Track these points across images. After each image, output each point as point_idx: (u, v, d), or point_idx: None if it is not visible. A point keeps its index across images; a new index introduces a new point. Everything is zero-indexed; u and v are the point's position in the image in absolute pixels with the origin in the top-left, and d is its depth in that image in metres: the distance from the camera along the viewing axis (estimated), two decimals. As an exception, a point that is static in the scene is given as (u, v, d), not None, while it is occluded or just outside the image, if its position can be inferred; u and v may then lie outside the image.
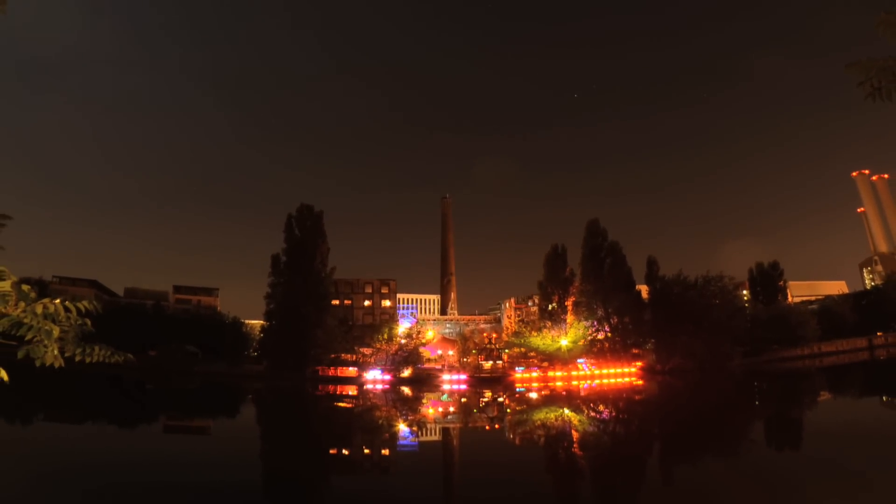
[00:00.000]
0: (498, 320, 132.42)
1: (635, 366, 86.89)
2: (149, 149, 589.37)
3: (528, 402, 60.11)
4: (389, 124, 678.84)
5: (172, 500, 19.12)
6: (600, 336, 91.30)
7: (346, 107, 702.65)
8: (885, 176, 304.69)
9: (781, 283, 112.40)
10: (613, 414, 48.57)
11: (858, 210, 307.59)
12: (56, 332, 4.31)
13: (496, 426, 44.39)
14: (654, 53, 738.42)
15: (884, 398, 46.36)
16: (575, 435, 36.41)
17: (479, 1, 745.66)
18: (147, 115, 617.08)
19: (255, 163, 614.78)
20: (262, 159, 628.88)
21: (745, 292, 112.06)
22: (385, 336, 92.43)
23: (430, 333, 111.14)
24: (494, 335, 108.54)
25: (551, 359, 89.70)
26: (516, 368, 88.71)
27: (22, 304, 4.23)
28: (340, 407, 56.99)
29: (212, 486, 21.15)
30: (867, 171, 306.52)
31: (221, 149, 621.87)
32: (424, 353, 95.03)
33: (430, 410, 53.85)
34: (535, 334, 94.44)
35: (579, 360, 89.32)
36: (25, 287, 4.28)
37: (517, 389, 71.88)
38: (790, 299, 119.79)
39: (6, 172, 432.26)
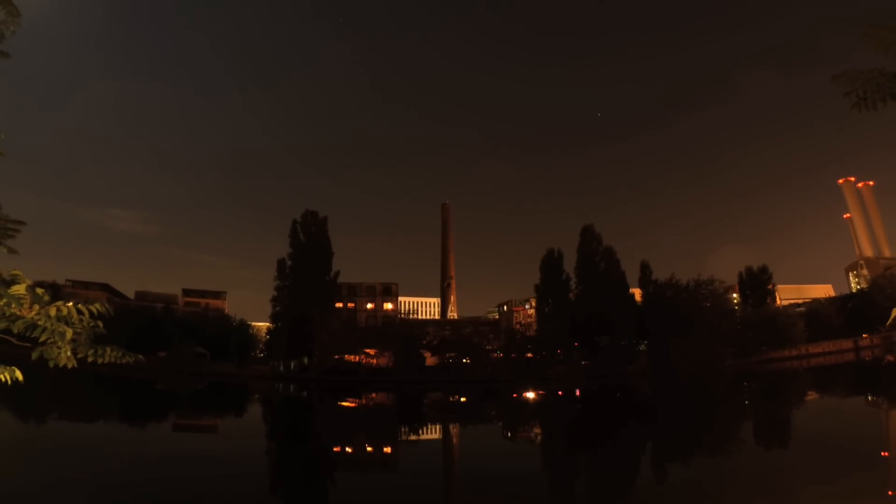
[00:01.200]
0: (496, 322, 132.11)
1: (629, 366, 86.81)
2: (159, 159, 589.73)
3: (525, 400, 60.05)
4: (392, 135, 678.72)
5: (181, 494, 19.06)
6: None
7: (348, 116, 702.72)
8: (871, 183, 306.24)
9: (770, 286, 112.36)
10: (608, 411, 48.41)
11: (844, 216, 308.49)
12: (69, 333, 4.30)
13: (496, 423, 44.41)
14: (647, 68, 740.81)
15: (869, 398, 46.27)
16: (571, 431, 36.32)
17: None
18: (168, 130, 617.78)
19: (261, 172, 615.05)
20: (269, 169, 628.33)
21: (735, 295, 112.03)
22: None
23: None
24: (492, 337, 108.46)
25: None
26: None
27: (36, 306, 4.22)
28: (344, 406, 56.84)
29: (219, 481, 21.09)
30: (853, 179, 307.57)
31: (228, 157, 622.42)
32: (426, 354, 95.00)
33: (431, 409, 53.78)
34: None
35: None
36: (39, 290, 4.27)
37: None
38: (779, 302, 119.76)
39: (22, 179, 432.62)
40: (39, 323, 4.23)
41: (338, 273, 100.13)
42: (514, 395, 64.10)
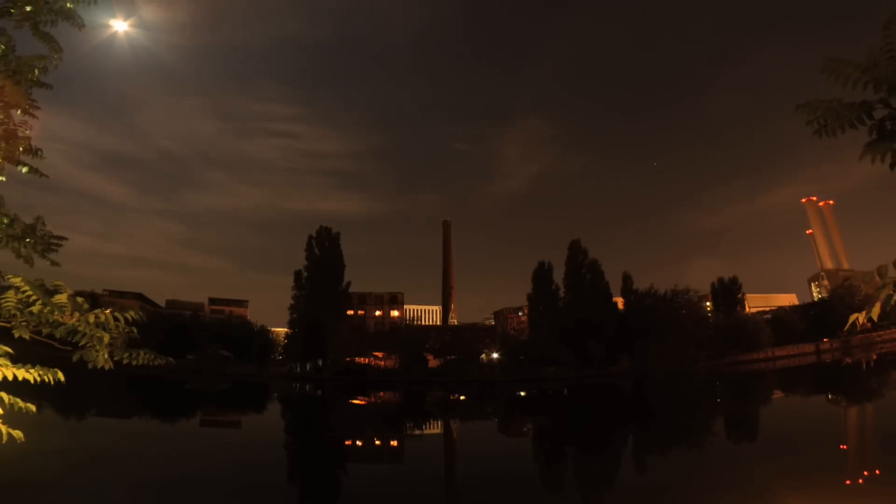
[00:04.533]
0: (493, 328, 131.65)
1: (613, 368, 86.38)
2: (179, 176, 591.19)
3: (519, 398, 59.80)
4: (394, 159, 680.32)
5: (206, 483, 18.93)
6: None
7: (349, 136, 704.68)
8: (831, 202, 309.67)
9: (740, 295, 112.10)
10: (593, 408, 48.13)
11: (807, 232, 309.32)
12: (106, 338, 4.28)
13: (492, 419, 44.19)
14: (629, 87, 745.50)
15: (829, 396, 46.06)
16: (560, 428, 36.07)
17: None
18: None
19: (273, 190, 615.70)
20: (281, 185, 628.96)
21: (708, 304, 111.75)
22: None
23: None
24: (489, 341, 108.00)
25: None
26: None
27: (76, 314, 4.21)
28: (355, 403, 56.56)
29: (242, 471, 20.98)
30: (815, 198, 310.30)
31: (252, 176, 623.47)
32: (429, 356, 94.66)
33: (433, 406, 53.51)
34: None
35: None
36: (79, 299, 4.27)
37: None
38: (747, 310, 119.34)
39: (63, 195, 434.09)
40: (79, 329, 4.21)
41: (349, 283, 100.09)
42: (509, 395, 63.78)
